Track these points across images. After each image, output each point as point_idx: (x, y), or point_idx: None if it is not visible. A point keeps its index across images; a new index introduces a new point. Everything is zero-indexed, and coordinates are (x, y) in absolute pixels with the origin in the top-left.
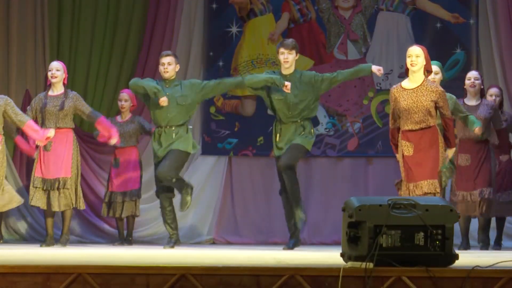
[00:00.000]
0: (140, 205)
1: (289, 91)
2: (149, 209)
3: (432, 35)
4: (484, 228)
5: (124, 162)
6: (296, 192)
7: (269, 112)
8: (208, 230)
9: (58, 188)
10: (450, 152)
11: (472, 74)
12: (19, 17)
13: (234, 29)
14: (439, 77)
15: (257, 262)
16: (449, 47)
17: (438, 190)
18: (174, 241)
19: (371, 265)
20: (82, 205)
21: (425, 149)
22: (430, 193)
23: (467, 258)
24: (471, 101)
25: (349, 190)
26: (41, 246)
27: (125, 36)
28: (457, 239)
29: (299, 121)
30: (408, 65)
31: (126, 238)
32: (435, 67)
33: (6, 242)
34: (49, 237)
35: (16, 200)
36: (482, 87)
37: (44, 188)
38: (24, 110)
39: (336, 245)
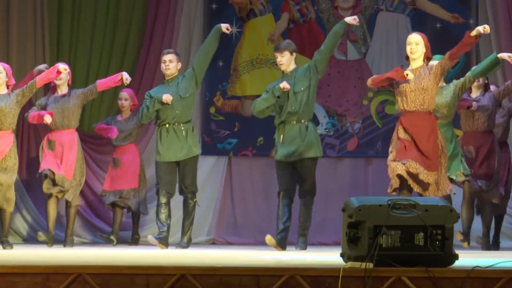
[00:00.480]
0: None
1: (288, 88)
2: (150, 209)
3: (432, 35)
4: (487, 234)
5: (125, 161)
6: (309, 220)
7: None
8: (208, 230)
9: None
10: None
11: None
12: (19, 17)
13: (234, 29)
14: None
15: (257, 262)
16: (449, 47)
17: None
18: (161, 237)
19: (371, 265)
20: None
21: (423, 137)
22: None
23: (467, 258)
24: (475, 95)
25: (348, 190)
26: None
27: (125, 36)
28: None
29: (303, 121)
30: (408, 53)
31: (132, 236)
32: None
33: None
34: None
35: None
36: (486, 81)
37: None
38: (25, 111)
39: (336, 245)
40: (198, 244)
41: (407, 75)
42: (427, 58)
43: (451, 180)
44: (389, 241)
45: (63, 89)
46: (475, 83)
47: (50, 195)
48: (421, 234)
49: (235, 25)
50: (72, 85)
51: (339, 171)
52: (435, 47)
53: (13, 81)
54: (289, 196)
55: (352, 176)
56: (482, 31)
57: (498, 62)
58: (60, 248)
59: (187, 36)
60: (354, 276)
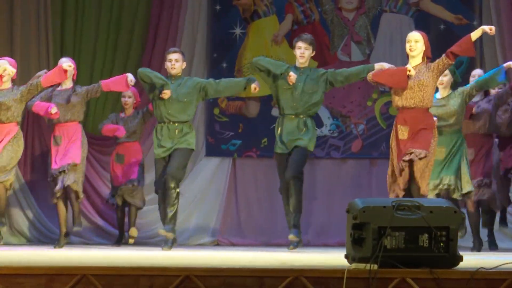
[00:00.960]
0: (145, 206)
1: (292, 82)
2: (154, 210)
3: (436, 36)
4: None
5: (128, 158)
6: (300, 203)
7: (273, 113)
8: (212, 232)
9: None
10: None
11: (476, 72)
12: (22, 19)
13: (237, 31)
14: (447, 79)
15: (261, 264)
16: None
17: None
18: (171, 241)
19: (375, 266)
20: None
21: (420, 131)
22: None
23: (472, 260)
24: (476, 98)
25: (353, 191)
26: (54, 247)
27: (128, 37)
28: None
29: (302, 116)
30: (407, 50)
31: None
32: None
33: (8, 243)
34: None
35: None
36: None
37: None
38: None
39: (340, 246)
40: (202, 245)
41: (409, 70)
42: (427, 57)
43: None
44: (394, 242)
45: (67, 83)
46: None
47: (57, 199)
48: (426, 235)
49: (239, 26)
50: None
51: (343, 172)
52: (438, 48)
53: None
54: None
55: (356, 178)
56: (488, 31)
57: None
58: (64, 249)
59: (191, 37)
60: (359, 278)
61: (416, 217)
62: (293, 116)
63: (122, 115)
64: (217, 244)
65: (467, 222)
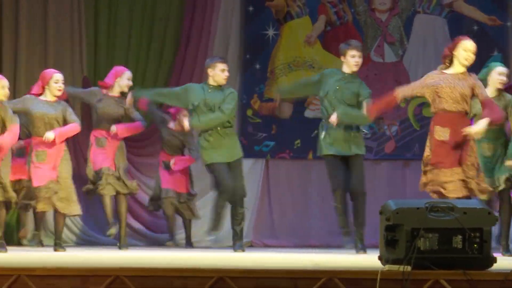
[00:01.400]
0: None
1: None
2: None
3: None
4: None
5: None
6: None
7: (306, 114)
8: (246, 233)
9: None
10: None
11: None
12: (56, 21)
13: (270, 32)
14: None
15: (294, 265)
16: (486, 49)
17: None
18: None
19: (408, 268)
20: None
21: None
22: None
23: (505, 261)
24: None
25: (386, 193)
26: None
27: (161, 39)
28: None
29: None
30: (463, 60)
31: (187, 241)
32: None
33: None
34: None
35: None
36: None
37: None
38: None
39: (373, 248)
40: None
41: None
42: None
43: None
44: (427, 244)
45: (115, 91)
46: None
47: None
48: (459, 236)
49: (272, 28)
50: None
51: (377, 174)
52: None
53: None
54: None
55: (389, 179)
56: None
57: None
58: (99, 250)
59: (224, 39)
60: (392, 279)
61: (449, 219)
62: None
63: (171, 125)
64: (250, 245)
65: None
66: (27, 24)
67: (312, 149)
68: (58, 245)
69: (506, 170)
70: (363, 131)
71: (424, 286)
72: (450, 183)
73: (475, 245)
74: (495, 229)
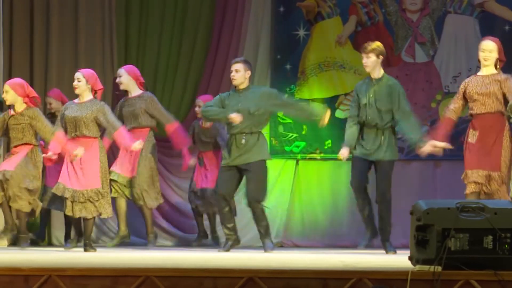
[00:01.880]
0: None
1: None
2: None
3: (500, 37)
4: None
5: (207, 162)
6: (389, 222)
7: (337, 115)
8: (276, 233)
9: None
10: None
11: None
12: (87, 20)
13: (301, 32)
14: None
15: (324, 265)
16: None
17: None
18: (230, 244)
19: (439, 268)
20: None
21: (490, 139)
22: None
23: None
24: None
25: (417, 193)
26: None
27: (192, 40)
28: None
29: (381, 127)
30: (481, 59)
31: (213, 235)
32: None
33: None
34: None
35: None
36: None
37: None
38: None
39: (404, 248)
40: None
41: None
42: (500, 61)
43: None
44: (458, 244)
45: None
46: None
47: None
48: (490, 237)
49: (302, 28)
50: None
51: (407, 174)
52: (503, 49)
53: (99, 86)
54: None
55: (420, 179)
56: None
57: None
58: (129, 251)
59: (255, 39)
60: (423, 279)
61: (480, 219)
62: (371, 128)
63: (201, 122)
64: (280, 245)
65: None
66: (57, 26)
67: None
68: (89, 245)
69: None
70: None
71: (455, 286)
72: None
73: (506, 246)
74: None
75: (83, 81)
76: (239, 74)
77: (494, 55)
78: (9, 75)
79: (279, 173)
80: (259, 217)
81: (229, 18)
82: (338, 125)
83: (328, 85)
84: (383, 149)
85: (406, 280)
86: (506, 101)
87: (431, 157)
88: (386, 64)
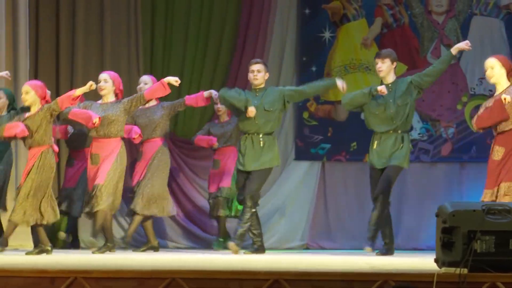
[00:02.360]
0: None
1: (385, 92)
2: None
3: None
4: None
5: (224, 162)
6: (387, 217)
7: (363, 117)
8: (302, 235)
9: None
10: None
11: None
12: (113, 22)
13: (327, 34)
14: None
15: (350, 268)
16: None
17: None
18: (256, 247)
19: (465, 270)
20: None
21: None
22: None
23: None
24: None
25: (443, 195)
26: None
27: (217, 42)
28: None
29: (399, 131)
30: (487, 79)
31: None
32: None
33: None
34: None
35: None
36: None
37: None
38: None
39: (430, 250)
40: (292, 249)
41: (505, 99)
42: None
43: None
44: (484, 246)
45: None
46: None
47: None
48: None
49: (328, 30)
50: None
51: (433, 176)
52: None
53: (121, 88)
54: None
55: (446, 181)
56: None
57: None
58: (155, 253)
59: (280, 41)
60: (448, 282)
61: (506, 221)
62: (391, 131)
63: (216, 121)
64: (306, 248)
65: None
66: (83, 30)
67: (368, 152)
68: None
69: None
70: (420, 134)
71: None
72: None
73: None
74: None
75: (110, 82)
76: (261, 74)
77: (498, 70)
78: (35, 79)
79: (305, 175)
80: (246, 217)
81: (254, 20)
82: (364, 127)
83: (354, 87)
84: (396, 155)
85: (432, 282)
86: None
87: (457, 158)
88: (411, 66)
